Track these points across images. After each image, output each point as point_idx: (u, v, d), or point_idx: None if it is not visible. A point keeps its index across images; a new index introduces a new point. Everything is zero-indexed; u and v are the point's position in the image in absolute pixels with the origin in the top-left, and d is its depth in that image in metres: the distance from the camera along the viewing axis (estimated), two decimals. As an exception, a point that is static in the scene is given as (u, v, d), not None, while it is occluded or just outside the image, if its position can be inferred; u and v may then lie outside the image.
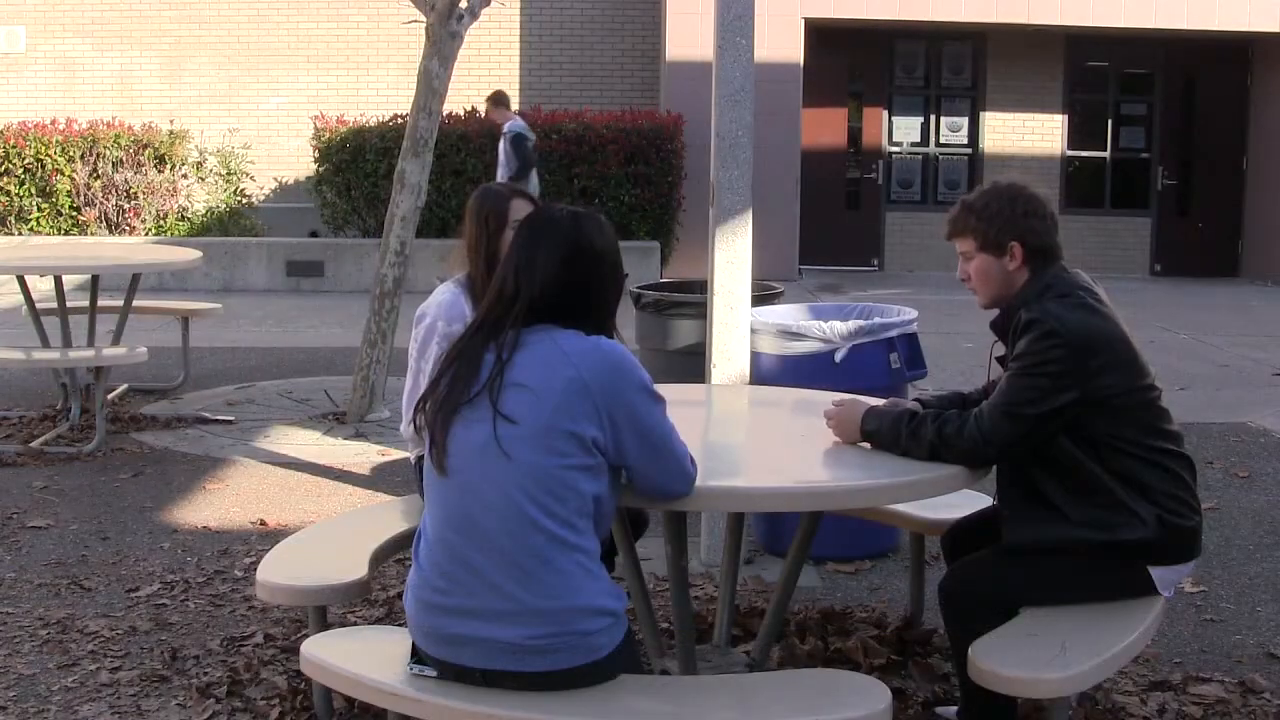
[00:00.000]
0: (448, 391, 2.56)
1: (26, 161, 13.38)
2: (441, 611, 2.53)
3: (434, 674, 2.59)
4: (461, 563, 2.50)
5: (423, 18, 6.96)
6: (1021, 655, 2.74)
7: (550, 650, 2.47)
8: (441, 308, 3.73)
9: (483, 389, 2.51)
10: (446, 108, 8.34)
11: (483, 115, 13.05)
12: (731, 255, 4.54)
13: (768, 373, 4.64)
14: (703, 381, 4.60)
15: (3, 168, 13.42)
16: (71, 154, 13.44)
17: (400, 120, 12.89)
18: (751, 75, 4.51)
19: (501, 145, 11.45)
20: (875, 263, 15.71)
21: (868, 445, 3.02)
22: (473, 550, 2.49)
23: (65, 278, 7.34)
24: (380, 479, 5.80)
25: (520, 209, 3.76)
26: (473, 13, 6.98)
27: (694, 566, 4.47)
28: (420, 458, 3.57)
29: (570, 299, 2.59)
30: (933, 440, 2.89)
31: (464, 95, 14.12)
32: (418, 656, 2.63)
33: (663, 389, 2.64)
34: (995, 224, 3.03)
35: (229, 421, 6.82)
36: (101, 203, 13.54)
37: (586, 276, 2.62)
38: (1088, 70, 15.83)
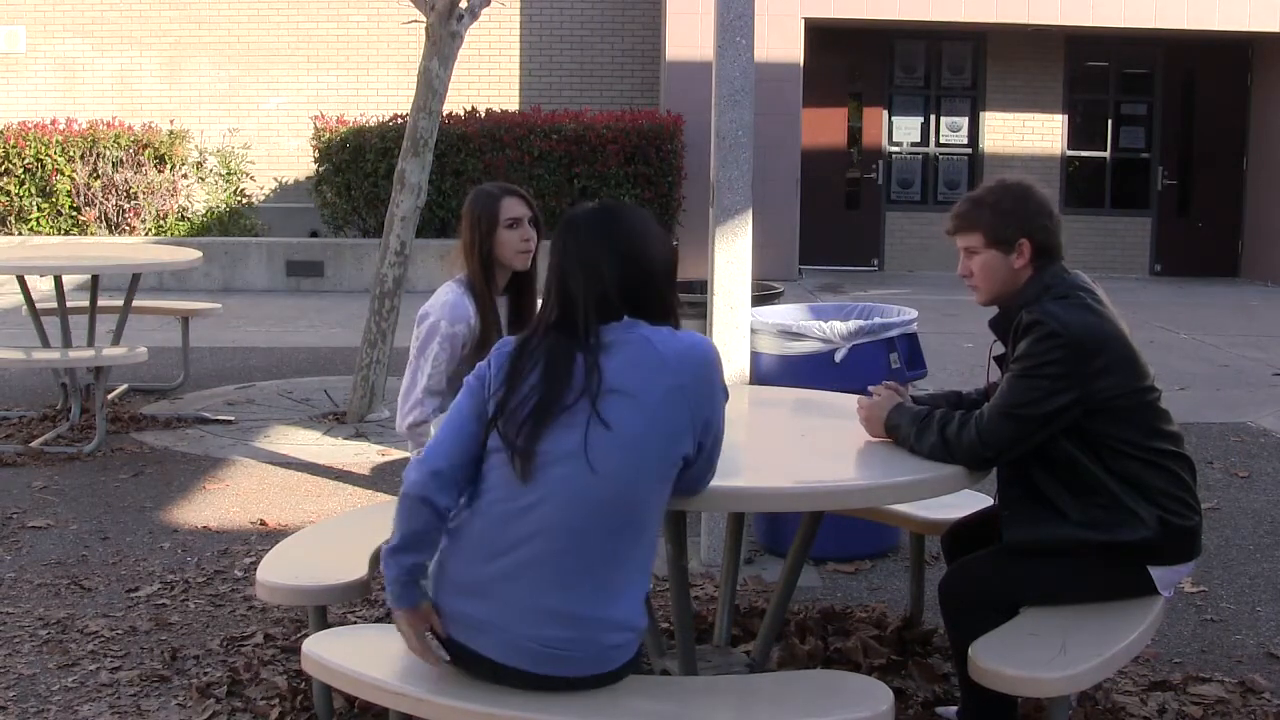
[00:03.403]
0: (540, 396, 2.45)
1: (26, 161, 13.37)
2: (469, 593, 2.48)
3: (447, 658, 2.57)
4: (509, 555, 2.45)
5: (423, 18, 6.96)
6: (1021, 655, 2.74)
7: (567, 658, 2.46)
8: (445, 308, 3.73)
9: (581, 394, 2.42)
10: (446, 108, 8.35)
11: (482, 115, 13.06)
12: (731, 255, 4.54)
13: (768, 373, 4.64)
14: (703, 381, 4.59)
15: (3, 168, 13.40)
16: (71, 154, 13.43)
17: (400, 120, 12.89)
18: (751, 75, 4.50)
19: None
20: (875, 263, 15.71)
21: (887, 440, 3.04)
22: (527, 549, 2.44)
23: (65, 278, 7.34)
24: (380, 479, 5.80)
25: (512, 207, 3.77)
26: (473, 13, 6.98)
27: (694, 566, 4.47)
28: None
29: (640, 290, 2.54)
30: (935, 441, 2.90)
31: (464, 95, 14.14)
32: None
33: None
34: (1009, 219, 3.01)
35: (229, 421, 6.82)
36: (101, 203, 13.53)
37: (652, 266, 2.57)
38: (1088, 70, 15.82)
